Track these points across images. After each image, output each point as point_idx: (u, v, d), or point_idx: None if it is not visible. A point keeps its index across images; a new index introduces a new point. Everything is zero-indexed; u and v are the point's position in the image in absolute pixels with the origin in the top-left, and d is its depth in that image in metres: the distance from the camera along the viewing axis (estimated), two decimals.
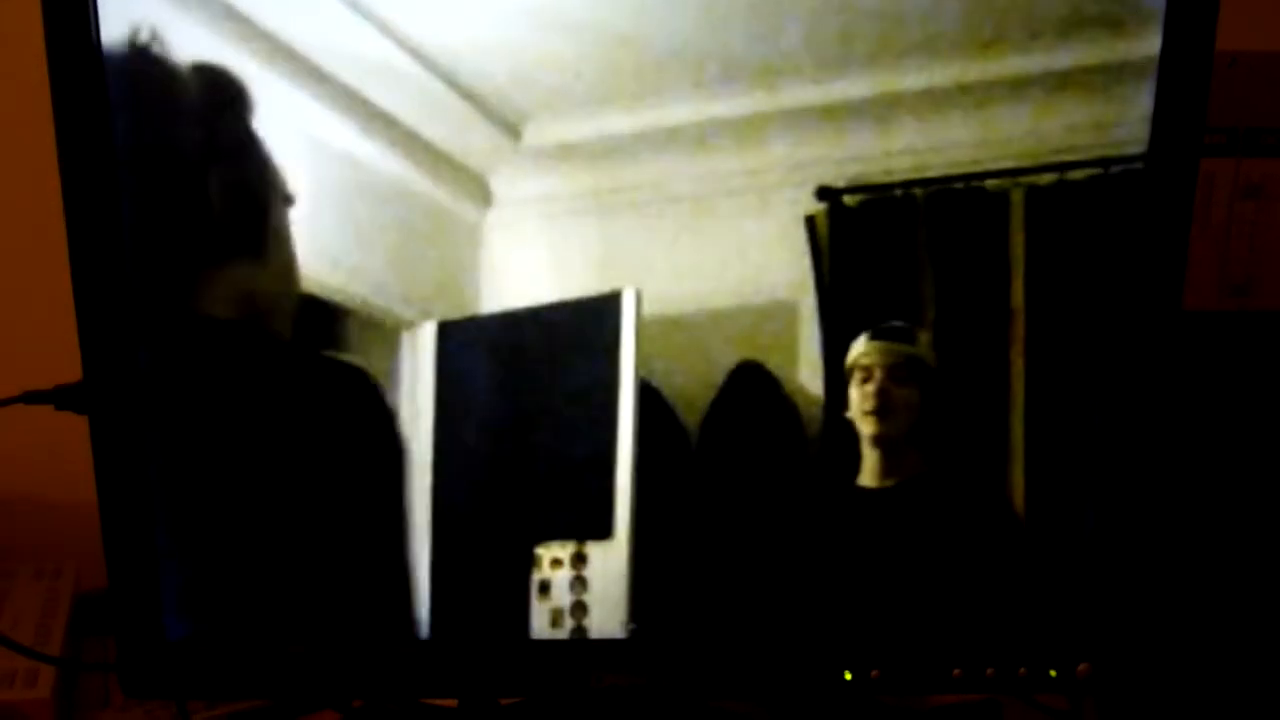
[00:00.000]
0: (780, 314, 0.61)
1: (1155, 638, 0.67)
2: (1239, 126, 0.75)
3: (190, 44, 0.56)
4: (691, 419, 0.62)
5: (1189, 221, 0.60)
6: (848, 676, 0.65)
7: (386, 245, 0.60)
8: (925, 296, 0.61)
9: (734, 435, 0.62)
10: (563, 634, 0.65)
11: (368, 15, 0.57)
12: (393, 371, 0.62)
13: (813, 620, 0.65)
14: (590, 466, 0.62)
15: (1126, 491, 0.63)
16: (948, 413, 0.62)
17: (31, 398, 0.65)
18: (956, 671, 0.65)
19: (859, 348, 0.61)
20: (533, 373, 0.62)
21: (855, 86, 0.58)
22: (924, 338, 0.61)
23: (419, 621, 0.64)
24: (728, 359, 0.61)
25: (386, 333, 0.61)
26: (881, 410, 0.62)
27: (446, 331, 0.61)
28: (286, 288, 0.60)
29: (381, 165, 0.60)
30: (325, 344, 0.61)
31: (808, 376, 0.62)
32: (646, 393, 0.62)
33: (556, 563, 0.64)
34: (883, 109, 0.58)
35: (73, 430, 0.62)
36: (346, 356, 0.61)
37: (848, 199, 0.60)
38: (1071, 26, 0.57)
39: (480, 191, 0.61)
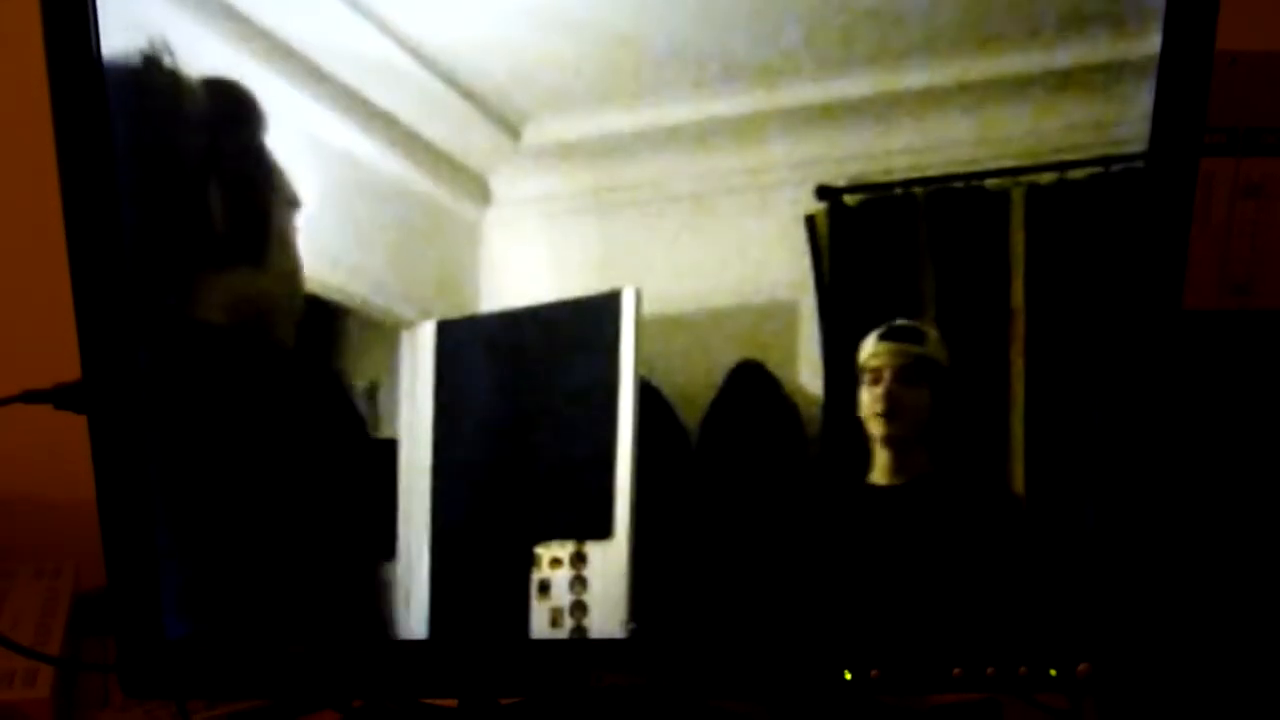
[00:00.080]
0: (780, 313, 0.61)
1: (1155, 637, 0.67)
2: (1239, 126, 0.75)
3: (189, 43, 0.56)
4: (691, 418, 0.62)
5: (1189, 221, 0.60)
6: (848, 676, 0.65)
7: (386, 244, 0.60)
8: (925, 296, 0.61)
9: (734, 435, 0.62)
10: (562, 633, 0.65)
11: (367, 14, 0.57)
12: (392, 371, 0.62)
13: (813, 619, 0.65)
14: (590, 466, 0.62)
15: (1127, 491, 0.63)
16: (958, 412, 0.62)
17: (30, 397, 0.65)
18: (957, 671, 0.65)
19: (868, 349, 0.61)
20: (532, 372, 0.62)
21: (855, 85, 0.58)
22: (934, 336, 0.61)
23: (418, 621, 0.64)
24: (728, 358, 0.61)
25: (386, 332, 0.61)
26: (891, 412, 0.62)
27: (446, 331, 0.61)
28: (289, 292, 0.60)
29: (381, 164, 0.60)
30: (324, 344, 0.61)
31: (808, 376, 0.62)
32: (646, 392, 0.62)
33: (556, 562, 0.64)
34: (883, 108, 0.58)
35: (72, 429, 0.62)
36: (359, 368, 0.61)
37: (848, 198, 0.60)
38: (1071, 25, 0.57)
39: (480, 190, 0.60)
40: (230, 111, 0.58)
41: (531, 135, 0.59)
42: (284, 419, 0.62)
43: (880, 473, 0.63)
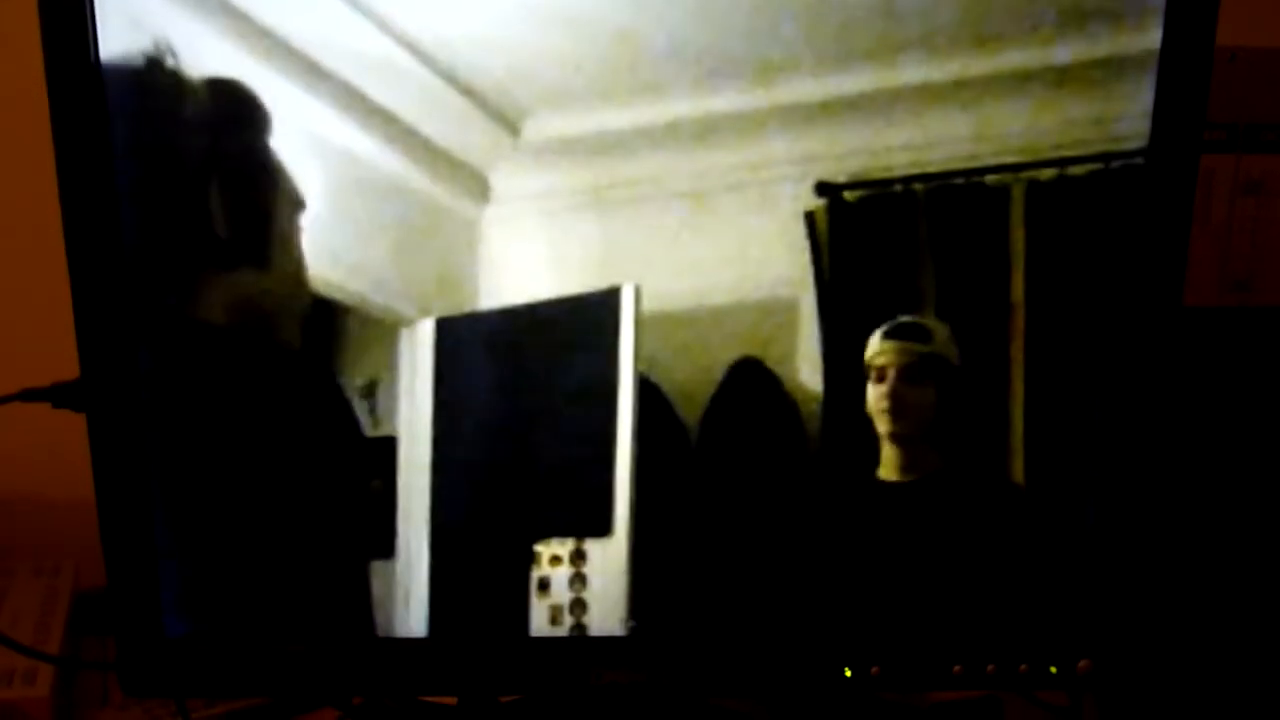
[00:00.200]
0: (780, 310, 0.61)
1: (1155, 634, 0.67)
2: (1239, 122, 0.75)
3: (188, 41, 0.56)
4: (691, 415, 0.62)
5: (1189, 217, 0.60)
6: (848, 673, 0.65)
7: (385, 242, 0.60)
8: (925, 292, 0.61)
9: (733, 432, 0.62)
10: (562, 631, 0.64)
11: (366, 11, 0.57)
12: (391, 368, 0.62)
13: (813, 616, 0.65)
14: (589, 463, 0.62)
15: (1127, 488, 0.63)
16: (966, 409, 0.62)
17: (29, 395, 0.65)
18: (957, 668, 0.65)
19: (873, 346, 0.61)
20: (532, 370, 0.62)
21: (855, 82, 0.58)
22: (941, 333, 0.61)
23: (417, 619, 0.64)
24: (727, 355, 0.61)
25: (385, 330, 0.61)
26: (895, 411, 0.62)
27: (445, 328, 0.61)
28: (293, 292, 0.60)
29: (380, 162, 0.59)
30: (323, 342, 0.61)
31: (808, 373, 0.62)
32: (646, 389, 0.62)
33: (556, 560, 0.64)
34: (883, 104, 0.58)
35: (71, 428, 0.62)
36: (357, 366, 0.61)
37: (848, 194, 0.60)
38: (1072, 21, 0.57)
39: (479, 187, 0.60)
40: (233, 112, 0.57)
41: (531, 132, 0.59)
42: (283, 418, 0.62)
43: (889, 469, 0.63)
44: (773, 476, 0.63)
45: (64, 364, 0.61)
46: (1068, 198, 0.60)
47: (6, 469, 0.90)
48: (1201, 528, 0.75)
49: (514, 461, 0.63)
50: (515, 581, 0.64)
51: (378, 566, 0.64)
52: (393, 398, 0.62)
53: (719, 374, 0.61)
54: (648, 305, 0.61)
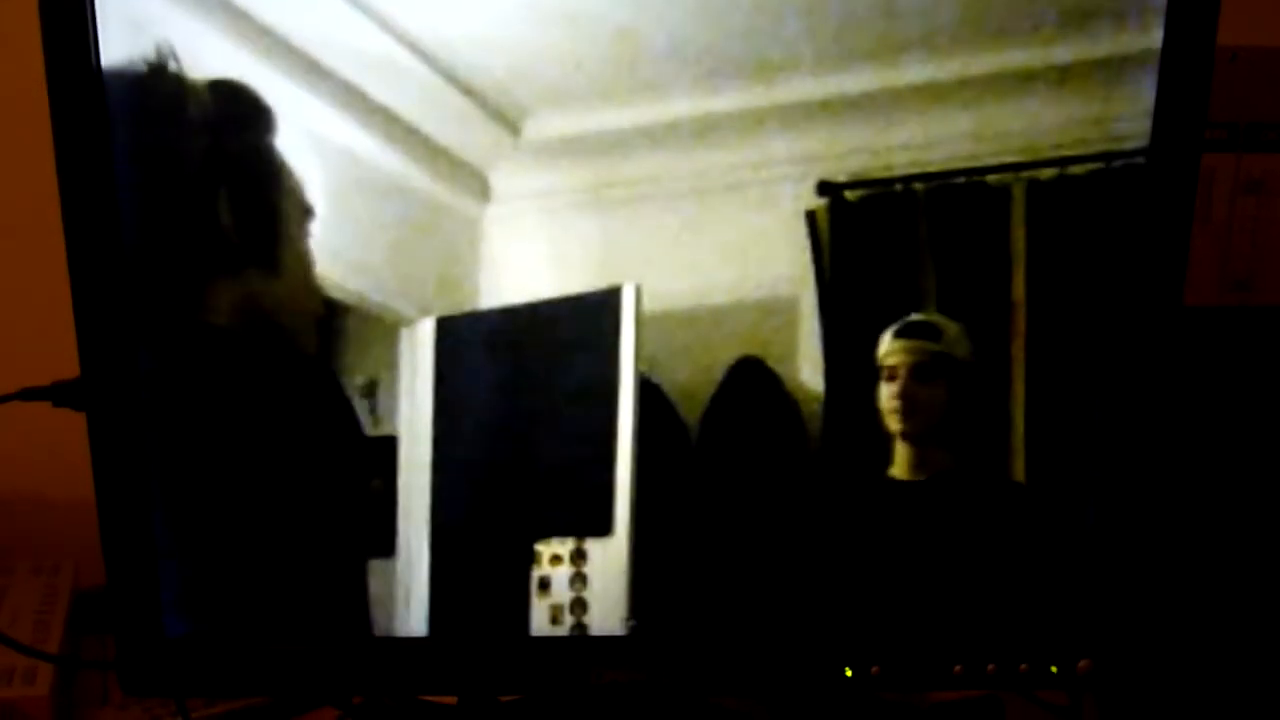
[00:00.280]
0: (781, 309, 0.61)
1: (1156, 634, 0.67)
2: (1240, 122, 0.75)
3: (188, 40, 0.56)
4: (691, 415, 0.62)
5: (1190, 217, 0.60)
6: (848, 673, 0.65)
7: (386, 241, 0.60)
8: (926, 291, 0.61)
9: (734, 431, 0.62)
10: (562, 630, 0.64)
11: (366, 10, 0.57)
12: (391, 367, 0.62)
13: (814, 616, 0.65)
14: (590, 463, 0.62)
15: (1127, 487, 0.63)
16: (978, 408, 0.62)
17: (29, 394, 0.65)
18: (958, 668, 0.65)
19: (885, 345, 0.61)
20: (532, 369, 0.62)
21: (856, 81, 0.58)
22: (952, 331, 0.61)
23: (417, 618, 0.64)
24: (728, 355, 0.61)
25: (386, 329, 0.61)
26: (907, 410, 0.62)
27: (446, 327, 0.61)
28: (303, 295, 0.59)
29: (380, 161, 0.59)
30: (323, 342, 0.61)
31: (808, 372, 0.61)
32: (646, 389, 0.62)
33: (556, 559, 0.64)
34: (883, 103, 0.58)
35: (71, 427, 0.62)
36: (358, 365, 0.61)
37: (848, 194, 0.60)
38: (1073, 20, 0.57)
39: (480, 186, 0.60)
40: (240, 114, 0.57)
41: (531, 131, 0.59)
42: (286, 418, 0.62)
43: (900, 467, 0.63)
44: (773, 476, 0.63)
45: (64, 363, 0.61)
46: (1068, 197, 0.60)
47: (6, 468, 0.90)
48: (1202, 528, 0.75)
49: (514, 461, 0.63)
50: (516, 581, 0.64)
51: (378, 566, 0.64)
52: (393, 397, 0.62)
53: (719, 373, 0.61)
54: (648, 305, 0.61)
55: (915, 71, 0.58)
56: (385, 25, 0.57)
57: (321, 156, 0.59)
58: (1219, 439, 0.75)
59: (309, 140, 0.58)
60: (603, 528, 0.63)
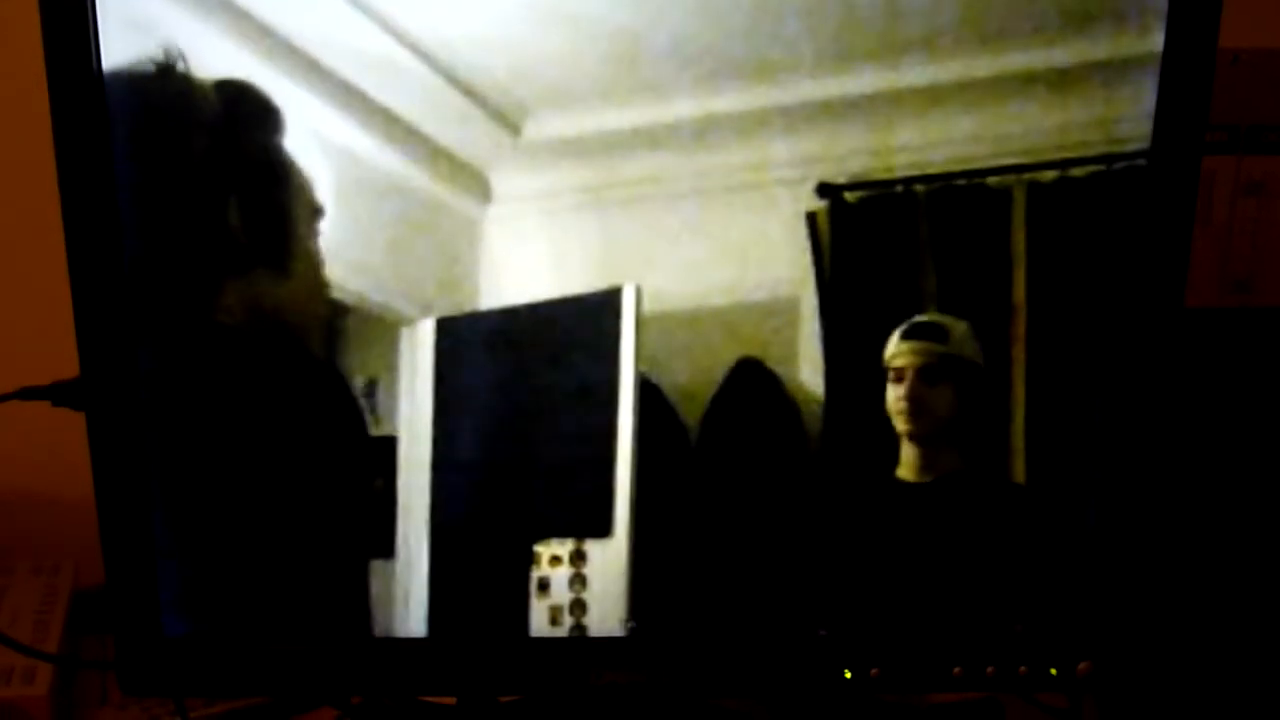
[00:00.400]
0: (781, 311, 0.61)
1: (1155, 636, 0.67)
2: (1241, 124, 0.75)
3: (187, 39, 0.56)
4: (691, 416, 0.62)
5: (1191, 219, 0.60)
6: (848, 675, 0.65)
7: (386, 241, 0.60)
8: (926, 293, 0.61)
9: (734, 432, 0.62)
10: (562, 631, 0.64)
11: (367, 10, 0.57)
12: (391, 368, 0.62)
13: (813, 617, 0.65)
14: (590, 464, 0.62)
15: (1128, 489, 0.63)
16: (986, 409, 0.62)
17: (28, 394, 0.65)
18: (957, 670, 0.65)
19: (892, 347, 0.61)
20: (532, 369, 0.62)
21: (856, 82, 0.58)
22: (959, 332, 0.61)
23: (417, 618, 0.64)
24: (728, 356, 0.61)
25: (386, 329, 0.61)
26: (914, 412, 0.62)
27: (446, 328, 0.61)
28: (312, 295, 0.59)
29: (381, 161, 0.59)
30: (330, 342, 0.61)
31: (808, 373, 0.61)
32: (646, 389, 0.62)
33: (556, 560, 0.64)
34: (884, 105, 0.58)
35: (70, 426, 0.62)
36: (358, 365, 0.61)
37: (849, 195, 0.60)
38: (1074, 23, 0.57)
39: (480, 187, 0.60)
40: (247, 114, 0.57)
41: (532, 131, 0.59)
42: (288, 418, 0.62)
43: (907, 469, 0.63)
44: (773, 477, 0.63)
45: (64, 362, 0.61)
46: (1069, 199, 0.60)
47: (6, 467, 0.90)
48: (1202, 529, 0.75)
49: (514, 462, 0.63)
50: (515, 582, 0.64)
51: (377, 566, 0.64)
52: (393, 397, 0.62)
53: (720, 374, 0.61)
54: (648, 305, 0.61)
55: (916, 73, 0.58)
56: (385, 25, 0.57)
57: (322, 156, 0.59)
58: (1219, 441, 0.75)
59: (309, 140, 0.58)
60: (602, 529, 0.63)
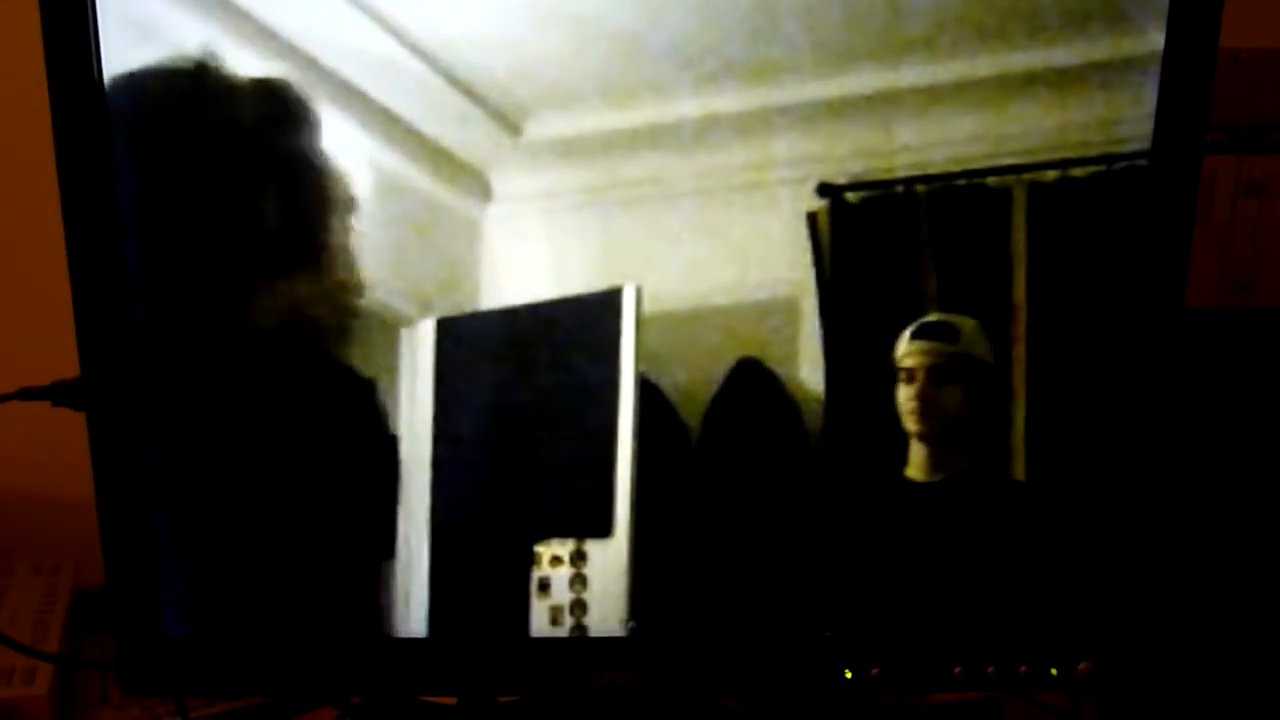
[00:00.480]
0: (781, 311, 0.61)
1: (1156, 636, 0.67)
2: (1241, 124, 0.75)
3: (186, 38, 0.56)
4: (692, 416, 0.62)
5: (1191, 219, 0.60)
6: (848, 675, 0.65)
7: (386, 241, 0.60)
8: (927, 293, 0.61)
9: (734, 433, 0.62)
10: (562, 632, 0.64)
11: (367, 10, 0.57)
12: (392, 368, 0.62)
13: (814, 617, 0.65)
14: (590, 464, 0.62)
15: (1128, 490, 0.63)
16: (996, 409, 0.62)
17: (28, 394, 0.65)
18: (957, 670, 0.65)
19: (902, 347, 0.61)
20: (532, 369, 0.62)
21: (857, 82, 0.58)
22: (969, 331, 0.61)
23: (417, 619, 0.64)
24: (728, 356, 0.61)
25: (386, 329, 0.61)
26: (924, 412, 0.62)
27: (446, 328, 0.61)
28: (343, 292, 0.59)
29: (381, 161, 0.59)
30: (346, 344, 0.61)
31: (809, 373, 0.61)
32: (646, 390, 0.62)
33: (556, 560, 0.64)
34: (885, 105, 0.58)
35: (70, 426, 0.62)
36: (358, 365, 0.61)
37: (849, 195, 0.60)
38: (1074, 22, 0.57)
39: (480, 187, 0.60)
40: (280, 113, 0.57)
41: (532, 131, 0.59)
42: (303, 419, 0.61)
43: (916, 468, 0.63)
44: (774, 477, 0.63)
45: (63, 362, 0.61)
46: (1070, 199, 0.59)
47: (6, 467, 0.90)
48: (1202, 530, 0.75)
49: (514, 462, 0.63)
50: (515, 582, 0.64)
51: (378, 566, 0.64)
52: (393, 397, 0.62)
53: (720, 375, 0.61)
54: (649, 305, 0.61)
55: (917, 73, 0.58)
56: (385, 25, 0.57)
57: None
58: (1220, 442, 0.75)
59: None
60: (603, 529, 0.63)
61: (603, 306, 0.61)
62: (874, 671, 0.65)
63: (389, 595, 0.64)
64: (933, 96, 0.58)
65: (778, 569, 0.64)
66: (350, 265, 0.59)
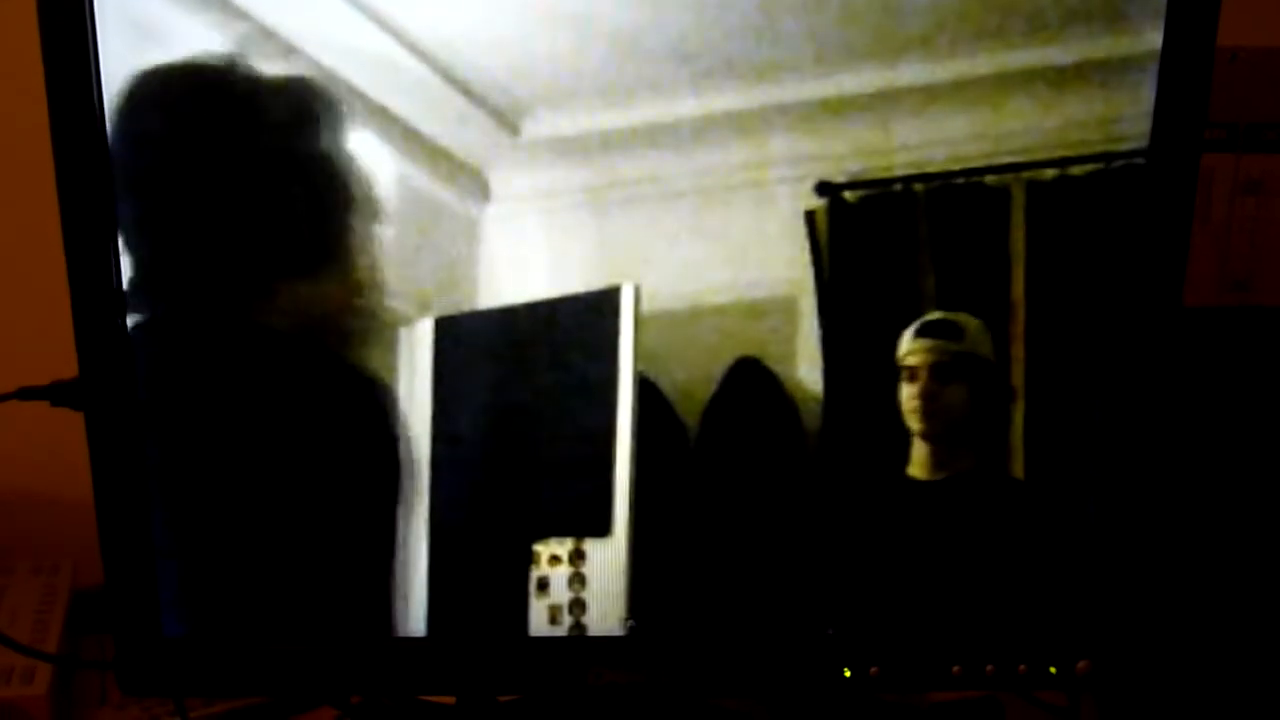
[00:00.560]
0: (780, 310, 0.61)
1: (1155, 635, 0.67)
2: (1240, 122, 0.75)
3: (185, 38, 0.56)
4: (690, 415, 0.62)
5: (1189, 217, 0.60)
6: (847, 674, 0.65)
7: (385, 241, 0.60)
8: (925, 292, 0.61)
9: (733, 431, 0.62)
10: (561, 631, 0.64)
11: (364, 9, 0.57)
12: (390, 367, 0.62)
13: (813, 617, 0.65)
14: (589, 463, 0.62)
15: (1127, 488, 0.63)
16: (999, 408, 0.62)
17: (27, 394, 0.65)
18: (956, 668, 0.65)
19: (905, 345, 0.61)
20: (531, 369, 0.62)
21: (855, 81, 0.58)
22: (973, 329, 0.61)
23: (416, 618, 0.64)
24: (727, 355, 0.61)
25: (384, 328, 0.61)
26: (927, 411, 0.61)
27: (444, 327, 0.61)
28: (362, 298, 0.59)
29: (379, 161, 0.59)
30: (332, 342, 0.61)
31: (807, 372, 0.61)
32: (645, 388, 0.62)
33: (555, 559, 0.64)
34: (883, 104, 0.58)
35: (69, 426, 0.62)
36: (359, 364, 0.61)
37: (848, 194, 0.60)
38: (1073, 21, 0.57)
39: (478, 186, 0.60)
40: (311, 112, 0.57)
41: (530, 131, 0.59)
42: (283, 417, 0.61)
43: (919, 467, 0.63)
44: (772, 476, 0.63)
45: (62, 362, 0.61)
46: (1068, 197, 0.60)
47: (5, 467, 0.90)
48: (1201, 529, 0.75)
49: (513, 461, 0.63)
50: (514, 581, 0.64)
51: (376, 565, 0.64)
52: (392, 397, 0.62)
53: (718, 373, 0.61)
54: (647, 305, 0.61)
55: (915, 72, 0.58)
56: (384, 25, 0.57)
57: None
58: (1218, 440, 0.75)
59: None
60: (601, 528, 0.63)
61: (601, 305, 0.61)
62: (873, 670, 0.65)
63: (388, 594, 0.64)
64: (931, 95, 0.58)
65: (776, 568, 0.64)
66: (370, 266, 0.59)
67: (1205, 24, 0.57)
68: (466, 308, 0.61)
